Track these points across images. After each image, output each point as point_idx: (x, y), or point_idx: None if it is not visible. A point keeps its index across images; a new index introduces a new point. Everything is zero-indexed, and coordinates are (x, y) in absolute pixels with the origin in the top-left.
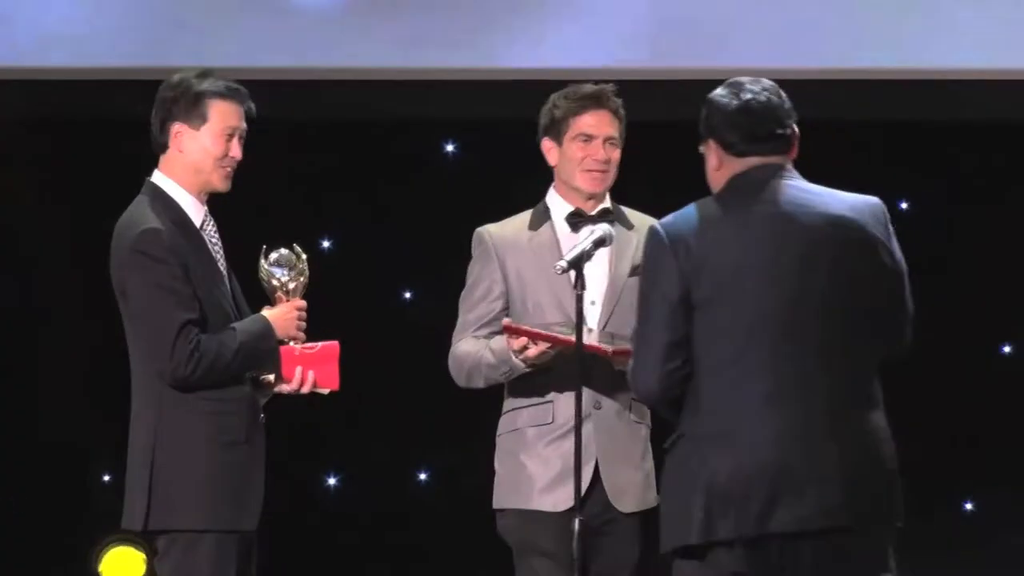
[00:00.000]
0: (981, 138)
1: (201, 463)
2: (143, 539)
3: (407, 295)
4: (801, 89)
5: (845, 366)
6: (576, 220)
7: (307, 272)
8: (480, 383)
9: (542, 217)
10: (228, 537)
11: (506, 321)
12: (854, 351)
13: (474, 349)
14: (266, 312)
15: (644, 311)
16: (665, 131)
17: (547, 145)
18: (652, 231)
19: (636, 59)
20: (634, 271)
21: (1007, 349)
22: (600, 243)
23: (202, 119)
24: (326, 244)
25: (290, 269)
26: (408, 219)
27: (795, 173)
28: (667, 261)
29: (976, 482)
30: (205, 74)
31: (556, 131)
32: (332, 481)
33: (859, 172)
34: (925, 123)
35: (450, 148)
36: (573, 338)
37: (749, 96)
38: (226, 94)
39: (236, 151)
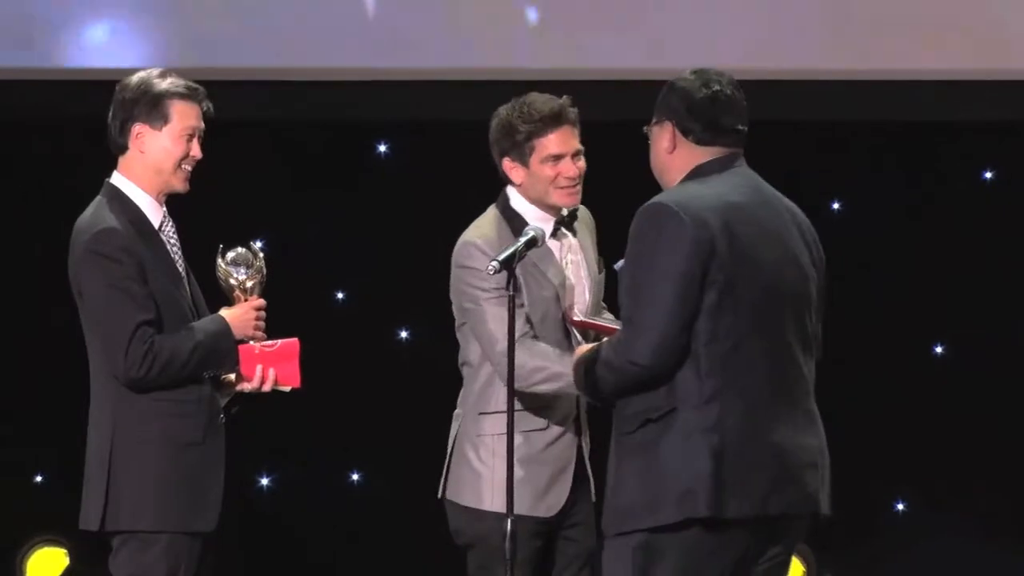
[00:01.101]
0: (912, 137)
1: (156, 464)
2: (66, 539)
3: (340, 295)
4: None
5: (811, 358)
6: (557, 228)
7: (264, 271)
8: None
9: (519, 226)
10: (182, 538)
11: (576, 320)
12: (813, 344)
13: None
14: (224, 312)
15: (652, 284)
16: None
17: (509, 165)
18: (662, 207)
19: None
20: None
21: (939, 349)
22: (532, 244)
23: (163, 120)
24: (258, 244)
25: (247, 268)
26: (343, 220)
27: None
28: (685, 236)
29: (907, 482)
30: (165, 74)
31: (519, 153)
32: (265, 481)
33: (792, 172)
34: (858, 122)
35: (383, 148)
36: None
37: (717, 88)
38: (186, 94)
39: (196, 151)
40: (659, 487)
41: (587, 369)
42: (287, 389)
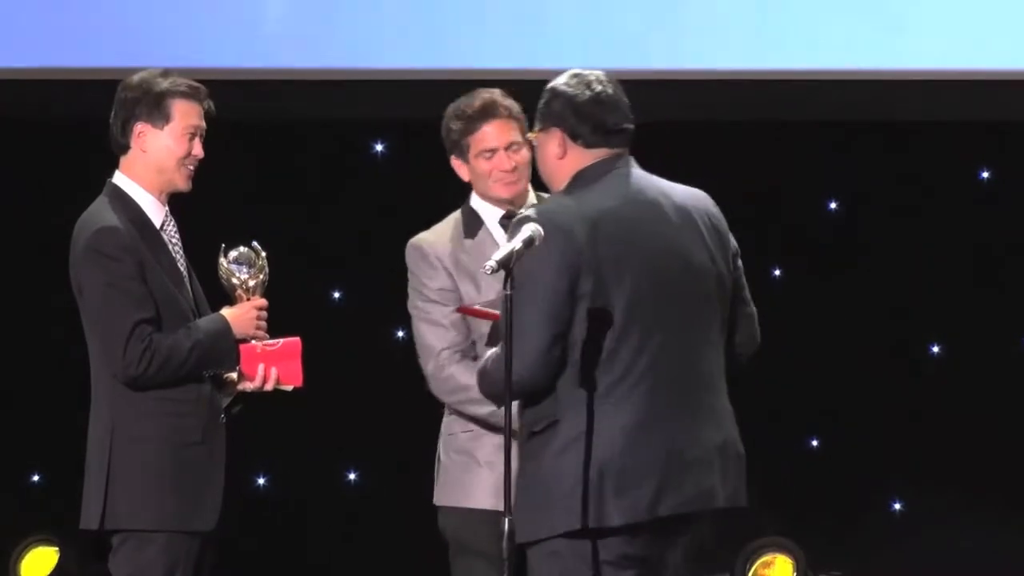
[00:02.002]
0: (909, 136)
1: (154, 463)
2: (58, 538)
3: (336, 295)
4: (734, 89)
5: (711, 352)
6: (507, 222)
7: (267, 269)
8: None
9: (474, 223)
10: (180, 537)
11: (462, 307)
12: (715, 337)
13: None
14: (225, 311)
15: (524, 299)
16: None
17: (456, 163)
18: (528, 221)
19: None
20: None
21: (936, 349)
22: (530, 243)
23: (165, 119)
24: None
25: (249, 267)
26: (339, 220)
27: (636, 165)
28: (553, 251)
29: (904, 482)
30: (166, 74)
31: (459, 150)
32: (261, 481)
33: (789, 172)
34: (856, 122)
35: (380, 148)
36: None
37: (599, 88)
38: (188, 93)
39: (198, 150)
40: (544, 499)
41: (482, 374)
42: (289, 388)
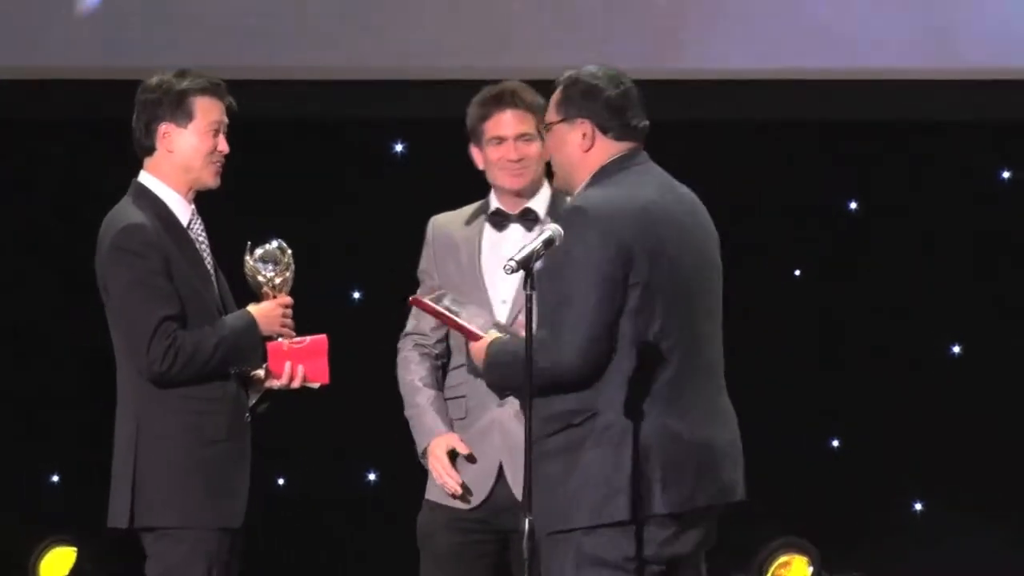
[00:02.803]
0: (930, 136)
1: (180, 461)
2: (77, 539)
3: (356, 295)
4: (760, 89)
5: (719, 348)
6: (498, 220)
7: (293, 267)
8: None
9: (478, 213)
10: (211, 535)
11: (413, 298)
12: (720, 333)
13: (409, 390)
14: (251, 308)
15: (575, 287)
16: None
17: (475, 151)
18: (579, 210)
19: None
20: None
21: (956, 349)
22: (549, 243)
23: (188, 117)
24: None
25: (275, 265)
26: (359, 220)
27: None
28: (603, 240)
29: (926, 482)
30: (183, 73)
31: (476, 137)
32: (281, 481)
33: (809, 172)
34: (875, 122)
35: (399, 148)
36: (477, 331)
37: (627, 84)
38: (209, 90)
39: (223, 145)
40: (584, 490)
41: (496, 364)
42: (316, 386)
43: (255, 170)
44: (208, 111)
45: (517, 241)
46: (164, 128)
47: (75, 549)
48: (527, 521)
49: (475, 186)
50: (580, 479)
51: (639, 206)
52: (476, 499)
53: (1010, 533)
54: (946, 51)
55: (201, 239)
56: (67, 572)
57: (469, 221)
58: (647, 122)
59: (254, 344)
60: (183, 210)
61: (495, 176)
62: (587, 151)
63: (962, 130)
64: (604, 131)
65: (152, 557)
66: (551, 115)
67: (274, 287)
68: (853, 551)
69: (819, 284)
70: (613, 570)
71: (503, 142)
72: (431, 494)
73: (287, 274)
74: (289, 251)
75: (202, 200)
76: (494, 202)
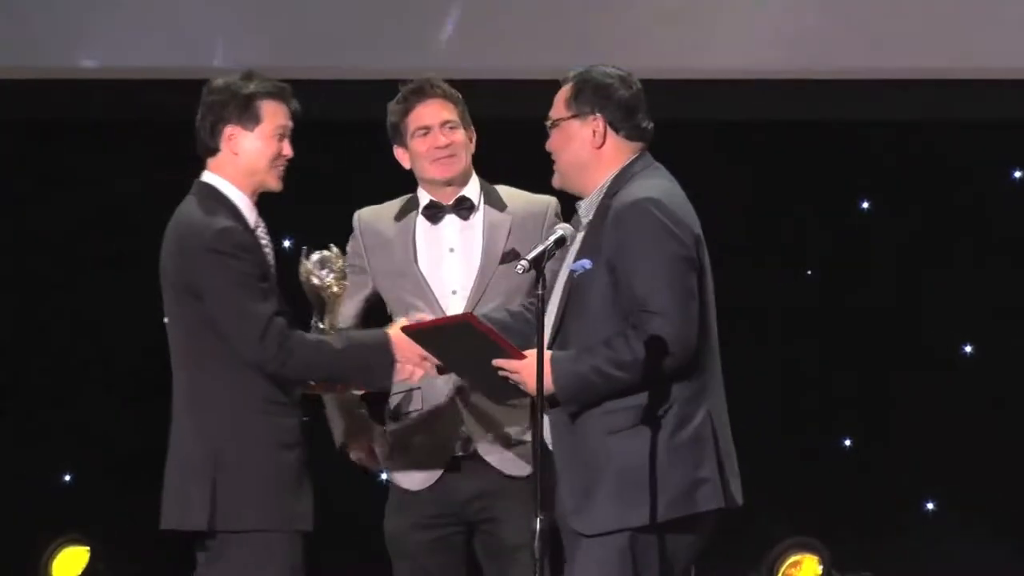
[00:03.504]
0: (940, 136)
1: (264, 464)
2: (91, 538)
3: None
4: (770, 89)
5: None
6: (433, 212)
7: (346, 273)
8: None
9: (409, 208)
10: (286, 538)
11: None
12: None
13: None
14: (389, 331)
15: (673, 273)
16: None
17: (399, 152)
18: (657, 203)
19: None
20: (506, 257)
21: (968, 349)
22: (561, 242)
23: (255, 120)
24: (287, 244)
25: (331, 270)
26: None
27: None
28: (682, 229)
29: (937, 482)
30: (250, 75)
31: (399, 136)
32: None
33: (822, 172)
34: (887, 122)
35: None
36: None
37: (638, 86)
38: (275, 93)
39: (287, 149)
40: (667, 482)
41: (583, 373)
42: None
43: None
44: (274, 115)
45: (455, 230)
46: (230, 130)
47: (87, 548)
48: (538, 521)
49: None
50: (662, 473)
51: (683, 200)
52: (422, 483)
53: (1021, 533)
54: (957, 50)
55: (265, 241)
56: (80, 572)
57: (399, 216)
58: (652, 123)
59: (385, 364)
60: (250, 212)
61: (424, 170)
62: (599, 147)
63: (974, 130)
64: (616, 130)
65: (225, 560)
66: (559, 111)
67: (330, 294)
68: (863, 551)
69: (831, 284)
70: (668, 566)
71: (429, 131)
72: (403, 481)
73: (344, 281)
74: (343, 257)
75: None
76: (425, 196)
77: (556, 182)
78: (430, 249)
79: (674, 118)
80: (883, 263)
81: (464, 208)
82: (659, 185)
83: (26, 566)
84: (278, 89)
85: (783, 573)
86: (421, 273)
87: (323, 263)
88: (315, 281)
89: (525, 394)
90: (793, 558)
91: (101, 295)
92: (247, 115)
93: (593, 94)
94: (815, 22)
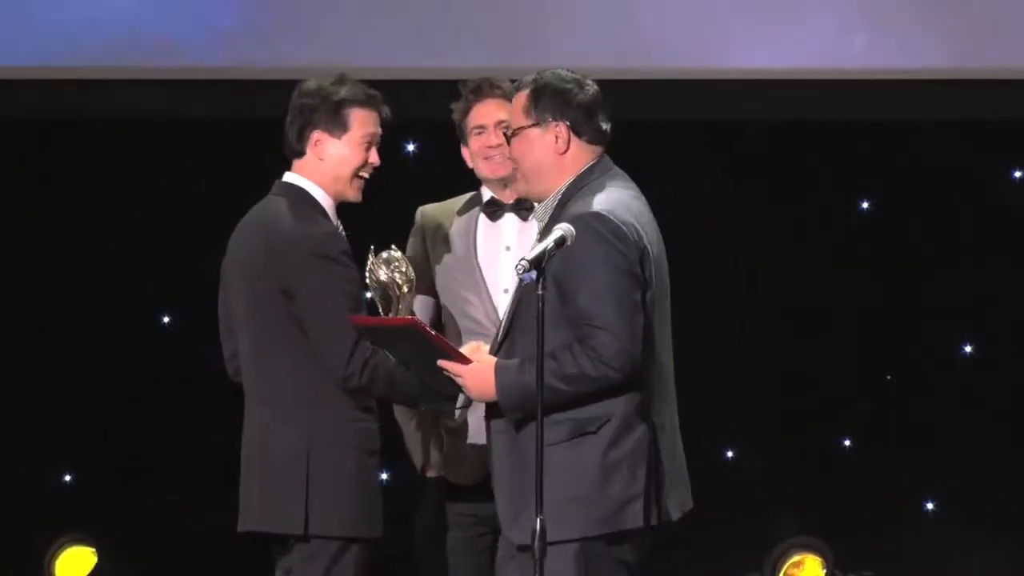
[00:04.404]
0: (940, 136)
1: (353, 470)
2: (94, 538)
3: (369, 295)
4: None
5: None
6: (493, 209)
7: (412, 274)
8: None
9: (471, 204)
10: (364, 544)
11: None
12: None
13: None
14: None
15: (616, 289)
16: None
17: (464, 152)
18: (601, 216)
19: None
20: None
21: (968, 349)
22: (561, 243)
23: (343, 128)
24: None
25: (398, 270)
26: (372, 221)
27: None
28: (627, 244)
29: (937, 482)
30: (342, 80)
31: (462, 135)
32: None
33: (821, 172)
34: (887, 122)
35: (411, 148)
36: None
37: (594, 88)
38: (366, 101)
39: (375, 158)
40: (597, 498)
41: (527, 384)
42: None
43: (258, 172)
44: (364, 123)
45: (513, 230)
46: (317, 135)
47: (92, 549)
48: (539, 521)
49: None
50: (591, 488)
51: (636, 211)
52: (470, 481)
53: (1022, 533)
54: (958, 50)
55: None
56: (88, 573)
57: (461, 212)
58: (610, 126)
59: (454, 389)
60: (334, 216)
61: (479, 168)
62: (563, 153)
63: (975, 129)
64: (579, 134)
65: (307, 563)
66: (519, 119)
67: (400, 294)
68: (863, 551)
69: (832, 284)
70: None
71: (484, 131)
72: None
73: (411, 280)
74: (406, 259)
75: (222, 202)
76: (487, 193)
77: (519, 191)
78: (488, 245)
79: (666, 118)
80: (883, 263)
81: (524, 208)
82: (610, 197)
83: (29, 566)
84: (369, 96)
85: (785, 573)
86: (479, 268)
87: (389, 262)
88: (384, 279)
89: (464, 396)
90: (795, 558)
91: (108, 294)
92: (335, 122)
93: (552, 100)
94: (816, 22)
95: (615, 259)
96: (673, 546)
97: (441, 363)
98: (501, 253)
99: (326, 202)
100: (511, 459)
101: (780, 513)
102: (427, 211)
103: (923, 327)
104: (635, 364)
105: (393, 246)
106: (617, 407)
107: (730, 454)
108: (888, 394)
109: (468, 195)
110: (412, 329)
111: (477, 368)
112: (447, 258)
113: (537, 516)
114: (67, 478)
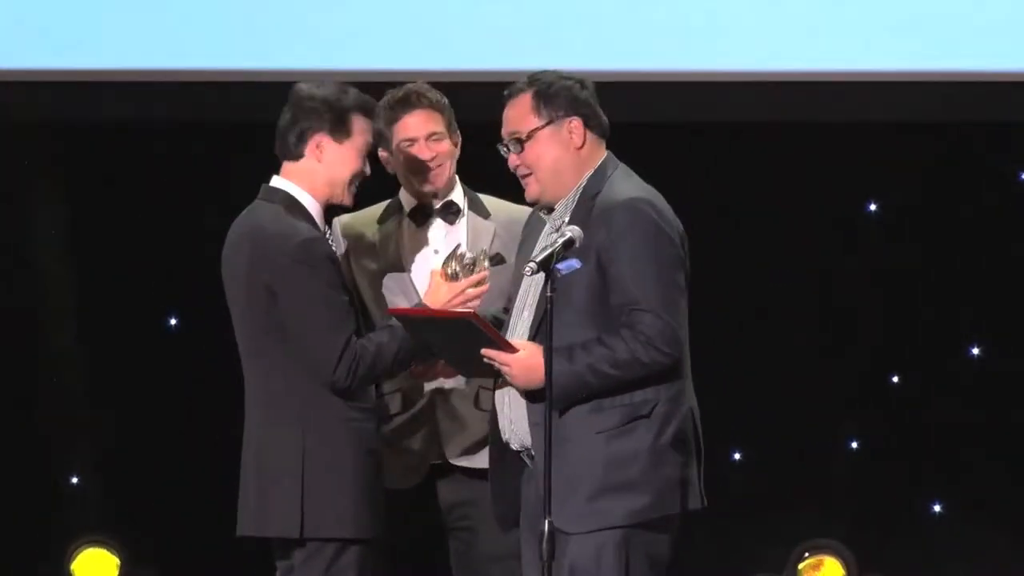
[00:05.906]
0: (949, 137)
1: (349, 470)
2: (112, 540)
3: None
4: (773, 90)
5: None
6: (420, 214)
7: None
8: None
9: (392, 211)
10: (364, 545)
11: (390, 309)
12: None
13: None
14: (425, 299)
15: (661, 275)
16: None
17: (383, 156)
18: (646, 202)
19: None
20: (492, 260)
21: (976, 351)
22: (569, 244)
23: (346, 134)
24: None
25: (470, 271)
26: None
27: None
28: (669, 228)
29: (945, 484)
30: (345, 87)
31: (384, 141)
32: None
33: (829, 173)
34: (896, 123)
35: None
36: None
37: (592, 84)
38: (367, 110)
39: (367, 167)
40: (651, 480)
41: (579, 372)
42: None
43: (249, 174)
44: (364, 131)
45: (440, 234)
46: (318, 139)
47: (107, 551)
48: (547, 523)
49: (485, 187)
50: (646, 471)
51: (667, 208)
52: (406, 485)
53: None
54: (965, 51)
55: (333, 250)
56: None
57: (383, 219)
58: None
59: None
60: (321, 222)
61: (408, 179)
62: (580, 148)
63: (983, 131)
64: (592, 129)
65: (305, 565)
66: (526, 123)
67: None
68: (881, 552)
69: (839, 285)
70: (655, 564)
71: (414, 143)
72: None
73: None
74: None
75: (213, 203)
76: (409, 200)
77: (534, 195)
78: (416, 251)
79: (665, 120)
80: (887, 263)
81: (451, 212)
82: (642, 185)
83: (44, 569)
84: (371, 106)
85: (803, 575)
86: (408, 274)
87: (474, 263)
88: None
89: (495, 373)
90: (813, 560)
91: (124, 296)
92: (339, 127)
93: (561, 96)
94: (817, 21)
95: (664, 243)
96: (679, 546)
97: (485, 352)
98: (430, 257)
99: (313, 208)
100: (556, 449)
101: (797, 514)
102: (345, 221)
103: (930, 329)
104: (681, 348)
105: (460, 244)
106: (665, 391)
107: (737, 456)
108: (894, 395)
109: (385, 203)
110: (469, 322)
111: (525, 356)
112: (374, 267)
113: (545, 518)
114: (73, 480)
